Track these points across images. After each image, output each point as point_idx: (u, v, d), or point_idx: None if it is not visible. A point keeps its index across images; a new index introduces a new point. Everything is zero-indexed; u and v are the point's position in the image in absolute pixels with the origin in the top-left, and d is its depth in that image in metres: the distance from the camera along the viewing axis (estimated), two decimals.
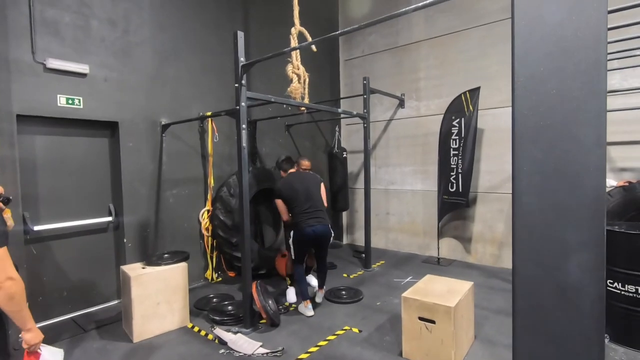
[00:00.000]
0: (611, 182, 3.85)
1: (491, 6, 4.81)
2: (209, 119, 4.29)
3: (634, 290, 2.66)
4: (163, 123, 4.10)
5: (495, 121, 4.83)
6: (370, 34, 6.08)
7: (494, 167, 4.91)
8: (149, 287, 3.06)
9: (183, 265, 3.31)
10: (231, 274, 4.65)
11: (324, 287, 3.83)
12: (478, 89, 4.63)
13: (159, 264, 3.21)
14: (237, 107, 3.14)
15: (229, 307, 3.51)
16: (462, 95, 4.76)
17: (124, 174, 3.82)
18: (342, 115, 5.94)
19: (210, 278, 4.52)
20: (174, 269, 3.24)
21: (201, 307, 3.66)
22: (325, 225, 3.50)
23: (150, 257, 3.48)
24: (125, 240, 3.84)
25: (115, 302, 3.82)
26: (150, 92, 4.02)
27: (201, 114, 4.32)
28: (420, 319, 2.60)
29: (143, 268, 3.16)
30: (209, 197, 4.46)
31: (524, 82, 0.70)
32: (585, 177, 0.67)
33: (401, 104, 5.74)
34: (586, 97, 0.69)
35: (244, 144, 3.17)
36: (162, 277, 3.15)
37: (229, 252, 4.33)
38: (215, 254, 4.54)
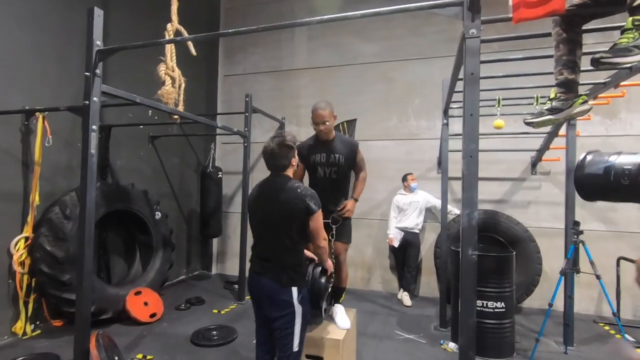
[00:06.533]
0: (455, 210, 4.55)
1: (366, 50, 5.29)
2: (40, 115, 3.24)
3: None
4: None
5: (368, 153, 5.14)
6: (252, 54, 5.91)
7: (366, 195, 5.16)
8: None
9: None
10: (57, 323, 3.49)
11: None
12: (355, 120, 4.94)
13: None
14: (87, 103, 2.42)
15: None
16: (341, 124, 4.99)
17: None
18: (217, 132, 5.47)
19: (22, 332, 3.27)
20: None
21: None
22: (270, 280, 1.98)
23: None
24: None
25: None
26: None
27: (27, 107, 3.24)
28: (308, 357, 2.35)
29: None
30: (30, 219, 3.30)
31: None
32: None
33: (281, 128, 5.67)
34: None
35: (93, 150, 2.44)
36: None
37: (57, 295, 3.24)
38: (33, 297, 3.33)
